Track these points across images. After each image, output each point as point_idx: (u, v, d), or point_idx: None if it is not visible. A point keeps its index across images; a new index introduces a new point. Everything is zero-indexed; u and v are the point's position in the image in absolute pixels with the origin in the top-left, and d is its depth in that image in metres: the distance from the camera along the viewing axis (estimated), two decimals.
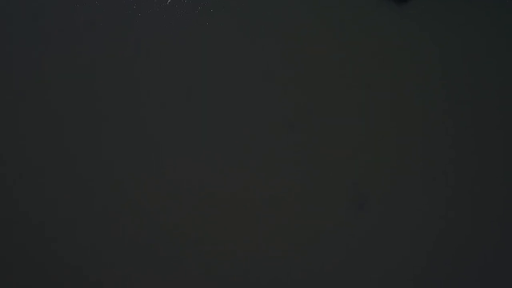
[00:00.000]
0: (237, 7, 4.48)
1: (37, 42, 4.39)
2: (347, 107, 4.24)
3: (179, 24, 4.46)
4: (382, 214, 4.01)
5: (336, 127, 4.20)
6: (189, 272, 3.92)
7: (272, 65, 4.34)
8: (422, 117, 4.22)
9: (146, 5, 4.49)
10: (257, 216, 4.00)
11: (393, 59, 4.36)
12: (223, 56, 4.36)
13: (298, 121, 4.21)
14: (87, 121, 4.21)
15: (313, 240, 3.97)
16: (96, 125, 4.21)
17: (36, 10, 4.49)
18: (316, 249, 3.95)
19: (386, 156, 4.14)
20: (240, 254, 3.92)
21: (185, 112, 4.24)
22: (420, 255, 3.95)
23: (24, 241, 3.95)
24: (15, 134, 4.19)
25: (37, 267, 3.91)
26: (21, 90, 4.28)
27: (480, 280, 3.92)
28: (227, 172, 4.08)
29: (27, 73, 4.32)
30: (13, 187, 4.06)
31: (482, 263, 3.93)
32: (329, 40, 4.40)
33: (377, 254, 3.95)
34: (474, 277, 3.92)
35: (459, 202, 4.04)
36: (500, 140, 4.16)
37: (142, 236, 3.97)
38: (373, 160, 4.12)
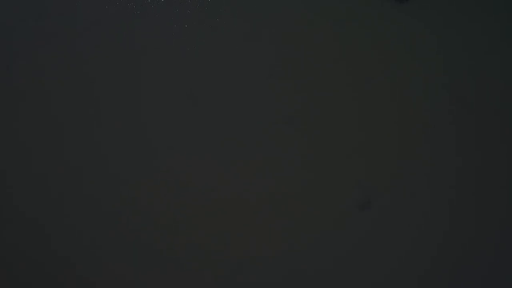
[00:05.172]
0: (235, 5, 4.47)
1: (37, 42, 4.39)
2: (349, 105, 4.22)
3: (180, 23, 4.45)
4: (387, 214, 3.99)
5: (339, 125, 4.18)
6: (190, 273, 3.91)
7: (272, 62, 4.32)
8: (426, 115, 4.20)
9: (147, 5, 4.49)
10: (257, 216, 3.98)
11: (395, 57, 4.33)
12: (222, 54, 4.35)
13: (299, 120, 4.19)
14: (88, 120, 4.20)
15: (315, 240, 3.95)
16: (97, 124, 4.20)
17: (36, 10, 4.49)
18: (318, 250, 3.93)
19: (390, 155, 4.11)
20: (240, 254, 3.91)
21: (183, 110, 4.22)
22: (425, 256, 3.93)
23: (24, 241, 3.95)
24: (15, 134, 4.18)
25: (37, 267, 3.91)
26: (21, 90, 4.28)
27: (482, 281, 3.89)
28: (227, 170, 4.07)
29: (27, 73, 4.31)
30: (13, 187, 4.07)
31: (488, 264, 3.90)
32: (329, 38, 4.38)
33: (381, 254, 3.93)
34: (480, 278, 3.89)
35: (465, 203, 4.02)
36: (506, 138, 4.14)
37: (143, 236, 3.96)
38: (377, 159, 4.10)
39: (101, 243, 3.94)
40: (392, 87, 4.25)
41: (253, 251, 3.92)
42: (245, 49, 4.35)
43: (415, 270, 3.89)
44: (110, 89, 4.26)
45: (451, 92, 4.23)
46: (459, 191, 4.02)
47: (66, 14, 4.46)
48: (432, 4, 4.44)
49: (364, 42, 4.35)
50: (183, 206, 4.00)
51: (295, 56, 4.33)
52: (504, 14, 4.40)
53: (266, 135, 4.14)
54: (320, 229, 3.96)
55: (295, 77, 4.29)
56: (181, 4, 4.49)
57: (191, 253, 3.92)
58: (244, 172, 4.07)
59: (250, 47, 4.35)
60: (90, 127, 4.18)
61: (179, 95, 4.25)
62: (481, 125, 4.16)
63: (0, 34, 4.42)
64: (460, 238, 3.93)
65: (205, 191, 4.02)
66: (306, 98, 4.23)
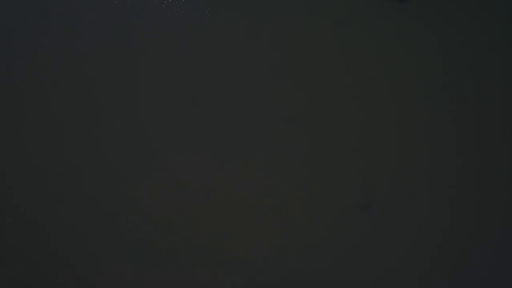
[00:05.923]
0: (235, 5, 4.47)
1: (37, 42, 4.38)
2: (349, 105, 4.21)
3: (179, 23, 4.45)
4: (387, 214, 3.98)
5: (339, 125, 4.18)
6: (190, 273, 3.90)
7: (272, 62, 4.31)
8: (426, 115, 4.19)
9: (147, 5, 4.49)
10: (258, 216, 3.98)
11: (395, 57, 4.33)
12: (222, 54, 4.34)
13: (299, 120, 4.18)
14: (88, 120, 4.20)
15: (315, 240, 3.94)
16: (97, 124, 4.19)
17: (36, 10, 4.49)
18: (318, 250, 3.93)
19: (390, 155, 4.11)
20: (240, 254, 3.90)
21: (183, 110, 4.22)
22: (425, 256, 3.92)
23: (24, 241, 3.94)
24: (15, 134, 4.17)
25: (37, 267, 3.90)
26: (21, 90, 4.27)
27: (482, 281, 3.88)
28: (227, 170, 4.06)
29: (27, 73, 4.31)
30: (13, 187, 4.06)
31: (488, 264, 3.90)
32: (329, 38, 4.37)
33: (381, 254, 3.92)
34: (480, 278, 3.89)
35: (465, 203, 4.01)
36: (506, 138, 4.13)
37: (143, 236, 3.95)
38: (377, 159, 4.09)
39: (101, 243, 3.93)
40: (392, 87, 4.25)
41: (253, 251, 3.91)
42: (245, 49, 4.34)
43: (415, 270, 3.89)
44: (110, 89, 4.26)
45: (451, 92, 4.22)
46: (459, 191, 4.01)
47: (66, 14, 4.45)
48: (432, 4, 4.44)
49: (364, 42, 4.34)
50: (183, 206, 3.99)
51: (295, 56, 4.33)
52: (504, 14, 4.39)
53: (266, 135, 4.14)
54: (320, 229, 3.95)
55: (295, 77, 4.28)
56: (181, 4, 4.49)
57: (191, 253, 3.91)
58: (244, 172, 4.06)
59: (250, 47, 4.34)
60: (90, 127, 4.17)
61: (179, 95, 4.24)
62: (481, 125, 4.15)
63: (0, 34, 4.41)
64: (460, 238, 3.93)
65: (205, 191, 4.02)
66: (306, 98, 4.22)
